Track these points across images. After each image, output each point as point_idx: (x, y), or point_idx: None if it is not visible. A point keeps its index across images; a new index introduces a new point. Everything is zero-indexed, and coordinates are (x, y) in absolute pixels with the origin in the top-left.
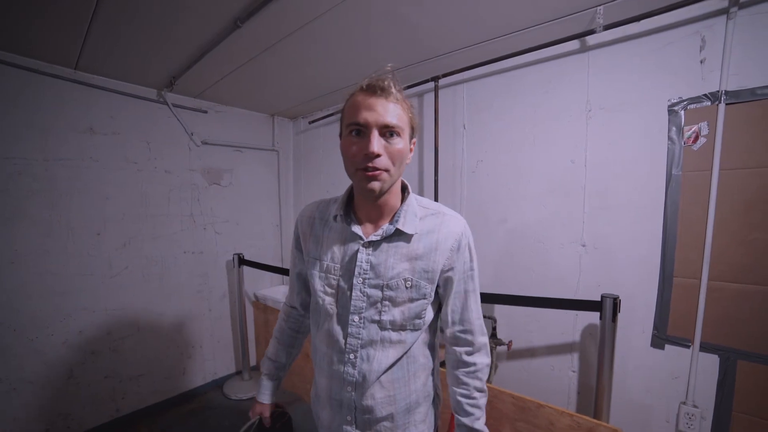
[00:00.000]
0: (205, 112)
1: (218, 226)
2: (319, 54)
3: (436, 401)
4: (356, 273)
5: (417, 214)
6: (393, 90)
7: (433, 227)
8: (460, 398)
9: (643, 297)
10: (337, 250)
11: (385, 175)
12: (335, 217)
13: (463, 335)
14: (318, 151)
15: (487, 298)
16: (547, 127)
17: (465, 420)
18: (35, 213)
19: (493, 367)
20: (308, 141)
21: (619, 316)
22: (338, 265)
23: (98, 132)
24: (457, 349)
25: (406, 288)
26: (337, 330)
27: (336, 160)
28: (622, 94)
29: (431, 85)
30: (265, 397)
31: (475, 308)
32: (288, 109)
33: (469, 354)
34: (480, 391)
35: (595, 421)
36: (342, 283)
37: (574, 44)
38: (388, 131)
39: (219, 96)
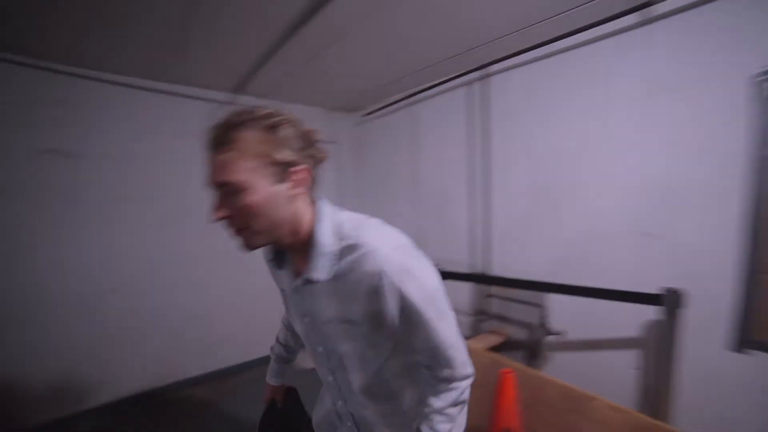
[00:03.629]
0: None
1: None
2: (372, 50)
3: None
4: (300, 313)
5: (333, 250)
6: (225, 137)
7: (351, 265)
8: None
9: (716, 294)
10: (286, 289)
11: (246, 232)
12: (269, 261)
13: (436, 366)
14: (374, 142)
15: (542, 287)
16: (604, 109)
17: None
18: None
19: (542, 356)
20: (364, 133)
21: (690, 313)
22: (290, 303)
23: (166, 132)
24: (432, 372)
25: (344, 329)
26: (313, 354)
27: (389, 149)
28: (691, 70)
29: (479, 73)
30: (276, 380)
31: (440, 339)
32: (345, 103)
33: (445, 381)
34: (453, 405)
35: (651, 420)
36: (297, 319)
37: (633, 18)
38: (227, 189)
39: (281, 95)
